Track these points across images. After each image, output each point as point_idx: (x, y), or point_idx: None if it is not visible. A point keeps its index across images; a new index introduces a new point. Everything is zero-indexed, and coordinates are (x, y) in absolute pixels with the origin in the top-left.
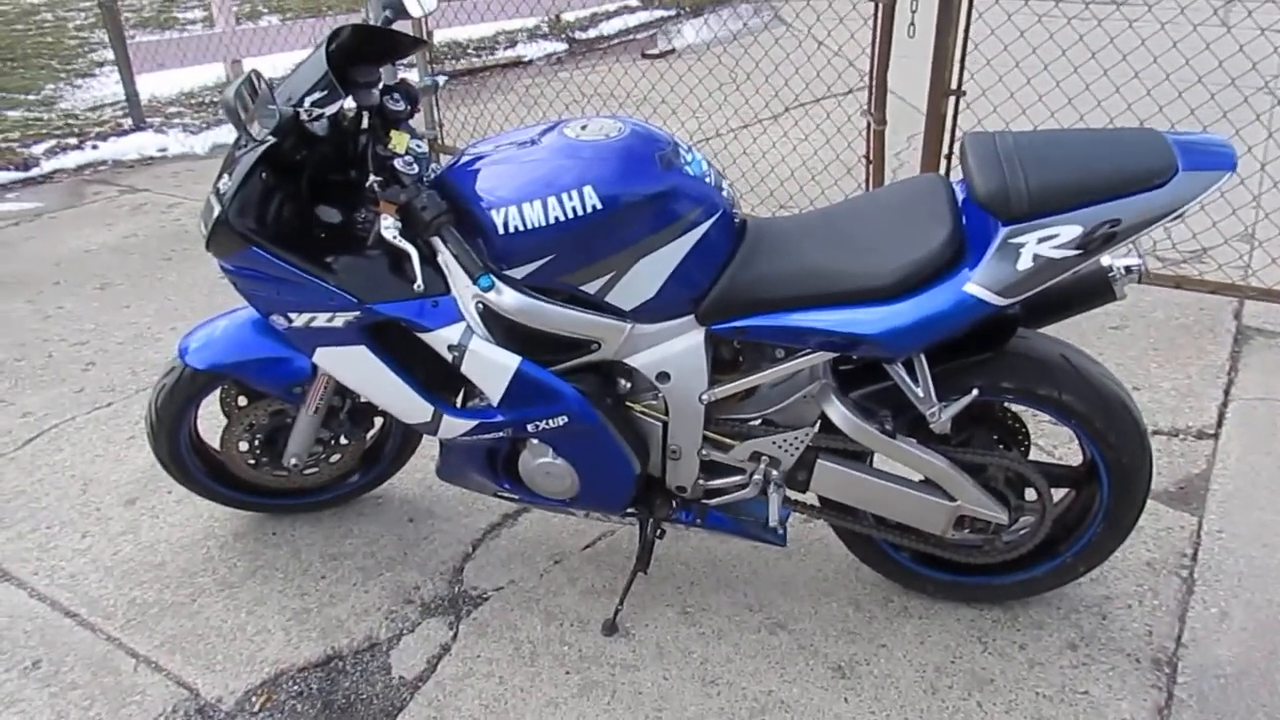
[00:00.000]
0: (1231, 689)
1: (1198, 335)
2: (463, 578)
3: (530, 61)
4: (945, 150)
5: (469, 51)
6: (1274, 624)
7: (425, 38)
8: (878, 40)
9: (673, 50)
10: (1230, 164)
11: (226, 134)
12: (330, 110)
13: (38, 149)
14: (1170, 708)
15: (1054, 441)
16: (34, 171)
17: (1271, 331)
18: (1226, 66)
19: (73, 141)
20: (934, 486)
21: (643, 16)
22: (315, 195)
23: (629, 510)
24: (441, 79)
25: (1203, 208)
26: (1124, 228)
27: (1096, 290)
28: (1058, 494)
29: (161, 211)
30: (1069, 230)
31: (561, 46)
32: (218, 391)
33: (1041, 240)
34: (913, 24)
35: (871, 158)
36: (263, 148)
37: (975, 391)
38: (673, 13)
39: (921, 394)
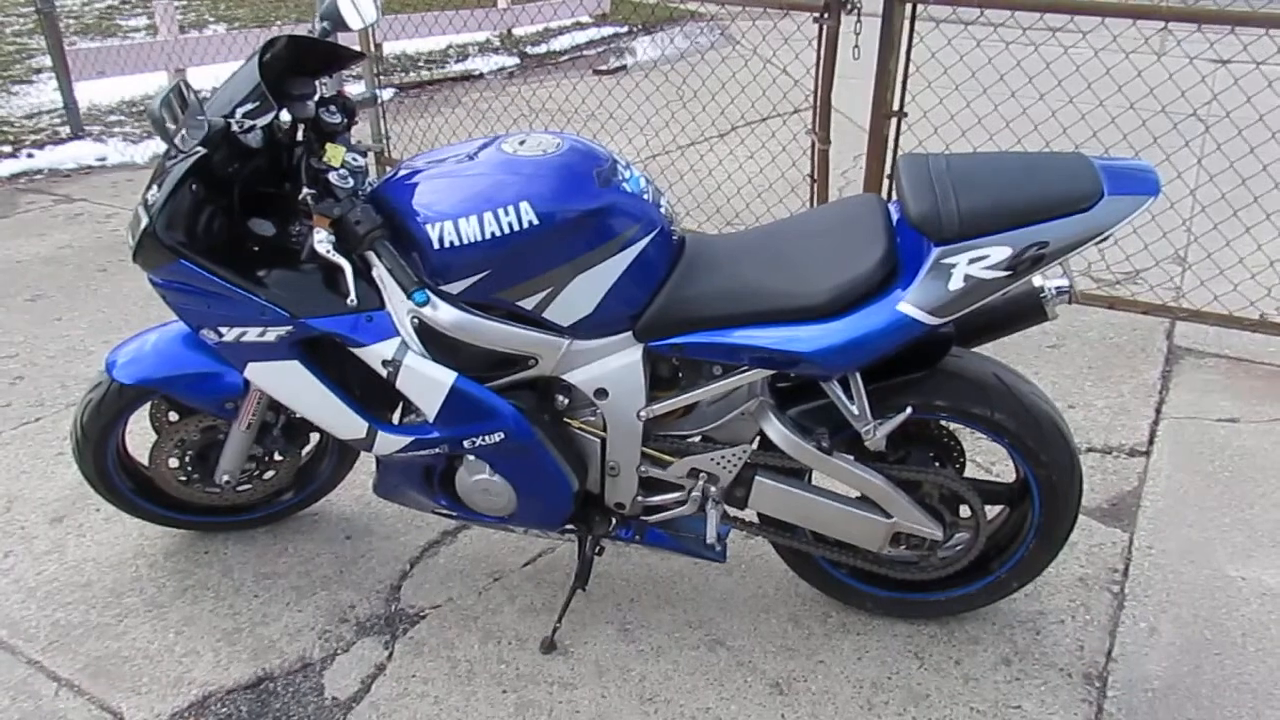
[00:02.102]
0: (1159, 703)
1: (1131, 355)
2: (399, 596)
3: (481, 75)
4: (887, 170)
5: (419, 64)
6: (1201, 639)
7: (373, 50)
8: (822, 61)
9: (623, 67)
10: (1154, 189)
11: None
12: (262, 122)
13: None
14: None
15: (991, 459)
16: None
17: (1201, 352)
18: (1158, 94)
19: (7, 149)
20: (870, 504)
21: (594, 33)
22: (248, 208)
23: (568, 527)
24: (386, 92)
25: (1134, 230)
26: (1052, 249)
27: (1028, 311)
28: (991, 511)
29: (98, 222)
30: (999, 251)
31: (513, 61)
32: (147, 407)
33: (972, 261)
34: (857, 45)
35: (816, 176)
36: (192, 159)
37: (909, 409)
38: (624, 30)
39: (857, 411)
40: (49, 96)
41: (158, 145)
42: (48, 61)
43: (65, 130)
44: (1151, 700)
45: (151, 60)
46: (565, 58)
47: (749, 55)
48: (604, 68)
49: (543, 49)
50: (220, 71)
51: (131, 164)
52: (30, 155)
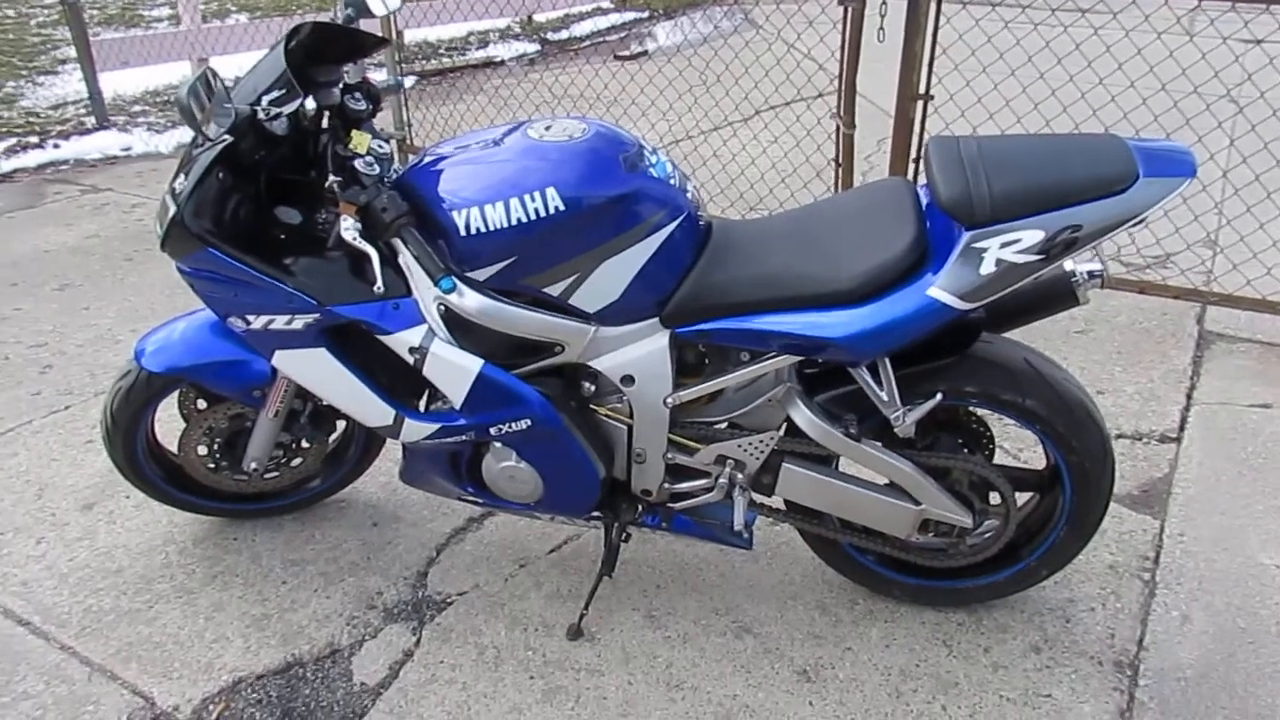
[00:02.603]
0: (1192, 692)
1: (1161, 340)
2: (426, 582)
3: (502, 62)
4: (913, 154)
5: (440, 52)
6: (1234, 627)
7: (394, 37)
8: (846, 44)
9: (645, 52)
10: (1190, 171)
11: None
12: (288, 109)
13: None
14: (1132, 710)
15: (1019, 445)
16: None
17: (1233, 337)
18: (1190, 74)
19: (34, 140)
20: (899, 490)
21: (615, 18)
22: (274, 195)
23: (594, 514)
24: (407, 79)
25: (1166, 214)
26: (1085, 233)
27: (1059, 295)
28: (1021, 498)
29: (124, 211)
30: (1031, 235)
31: (533, 47)
32: (175, 395)
33: (1004, 245)
34: (881, 29)
35: (841, 161)
36: (219, 147)
37: (939, 396)
38: (645, 15)
39: (886, 398)
40: (74, 87)
41: (182, 134)
42: (72, 52)
43: (90, 120)
44: (1184, 689)
45: (175, 50)
46: (587, 43)
47: (772, 39)
48: (625, 53)
49: (564, 35)
50: (243, 60)
51: (156, 153)
52: (56, 146)
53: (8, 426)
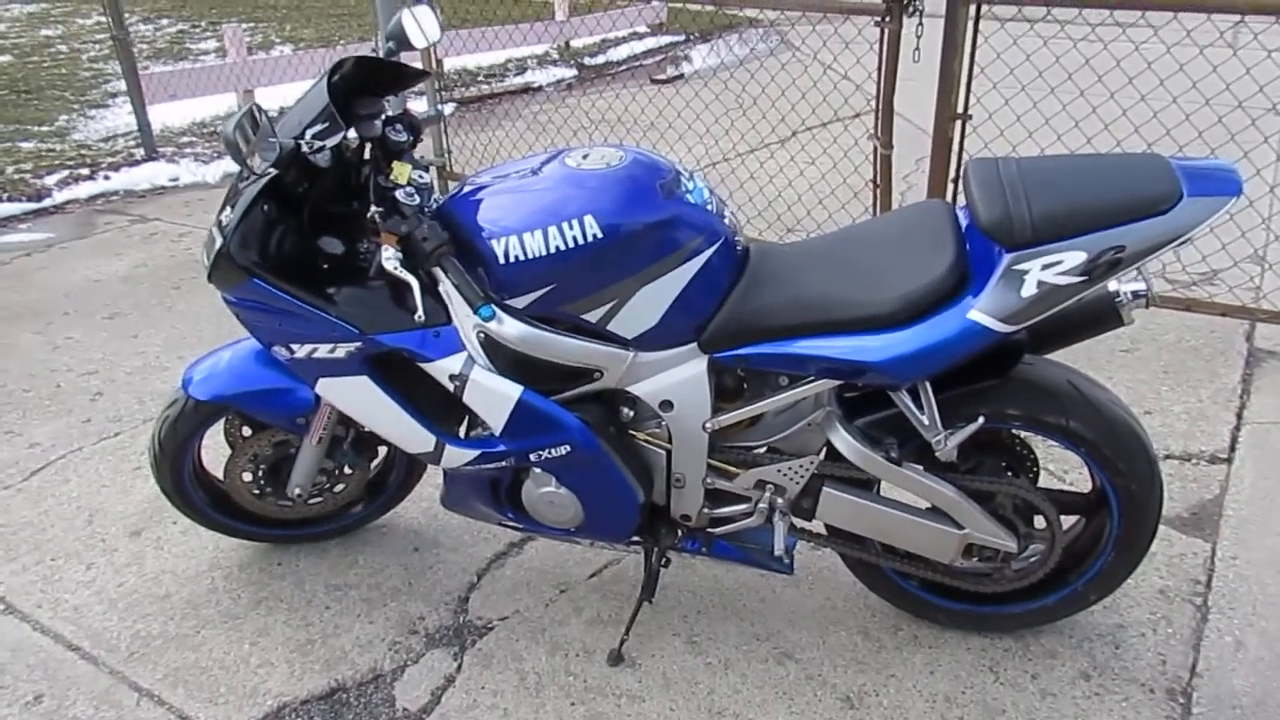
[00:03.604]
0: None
1: (1209, 358)
2: (468, 607)
3: (540, 88)
4: (952, 174)
5: (479, 79)
6: None
7: (435, 66)
8: (883, 64)
9: (681, 76)
10: (1236, 190)
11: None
12: (332, 142)
13: (50, 179)
14: None
15: (1065, 467)
16: (46, 202)
17: None
18: (1234, 89)
19: (85, 172)
20: (941, 514)
21: (651, 43)
22: (317, 226)
23: (634, 539)
24: (446, 107)
25: (1211, 230)
26: (1129, 254)
27: (1103, 316)
28: (1067, 521)
29: (172, 241)
30: (1073, 257)
31: (571, 73)
32: (221, 422)
33: (1045, 267)
34: (918, 48)
35: (879, 181)
36: (264, 180)
37: (981, 419)
38: (681, 38)
39: (927, 422)
40: (124, 120)
41: (228, 165)
42: (122, 86)
43: (140, 152)
44: (1239, 717)
45: (221, 82)
46: (623, 68)
47: (809, 61)
48: (661, 77)
49: (600, 60)
50: (288, 91)
51: (203, 184)
52: (107, 177)
53: (59, 453)
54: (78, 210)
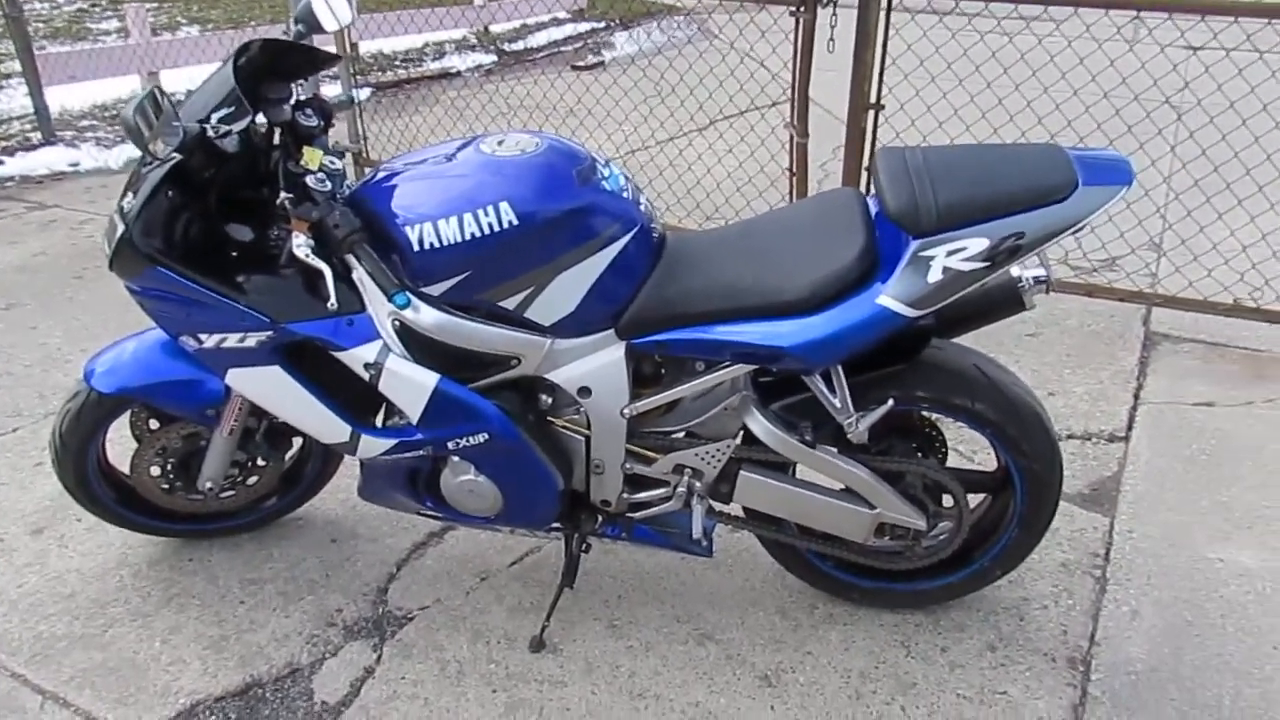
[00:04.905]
0: (1142, 685)
1: (1109, 342)
2: (387, 598)
3: (458, 73)
4: (865, 163)
5: (396, 63)
6: (1182, 621)
7: (349, 50)
8: (799, 54)
9: (601, 63)
10: (1127, 179)
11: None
12: (238, 127)
13: None
14: (1085, 705)
15: (973, 448)
16: None
17: (1177, 337)
18: (1130, 83)
19: None
20: (854, 495)
21: (571, 29)
22: (225, 213)
23: (554, 526)
24: (362, 92)
25: (1111, 218)
26: (1028, 240)
27: (1007, 301)
28: (974, 500)
29: (72, 228)
30: (976, 243)
31: (490, 58)
32: (127, 415)
33: (951, 253)
34: (832, 39)
35: (795, 170)
36: (168, 166)
37: (890, 402)
38: (601, 25)
39: (839, 405)
40: (19, 102)
41: (132, 150)
42: (17, 66)
43: (37, 136)
44: (1134, 682)
45: (123, 64)
46: (543, 54)
47: (726, 49)
48: (582, 64)
49: (520, 46)
50: (193, 74)
51: (106, 169)
52: (1, 162)
53: None
54: None
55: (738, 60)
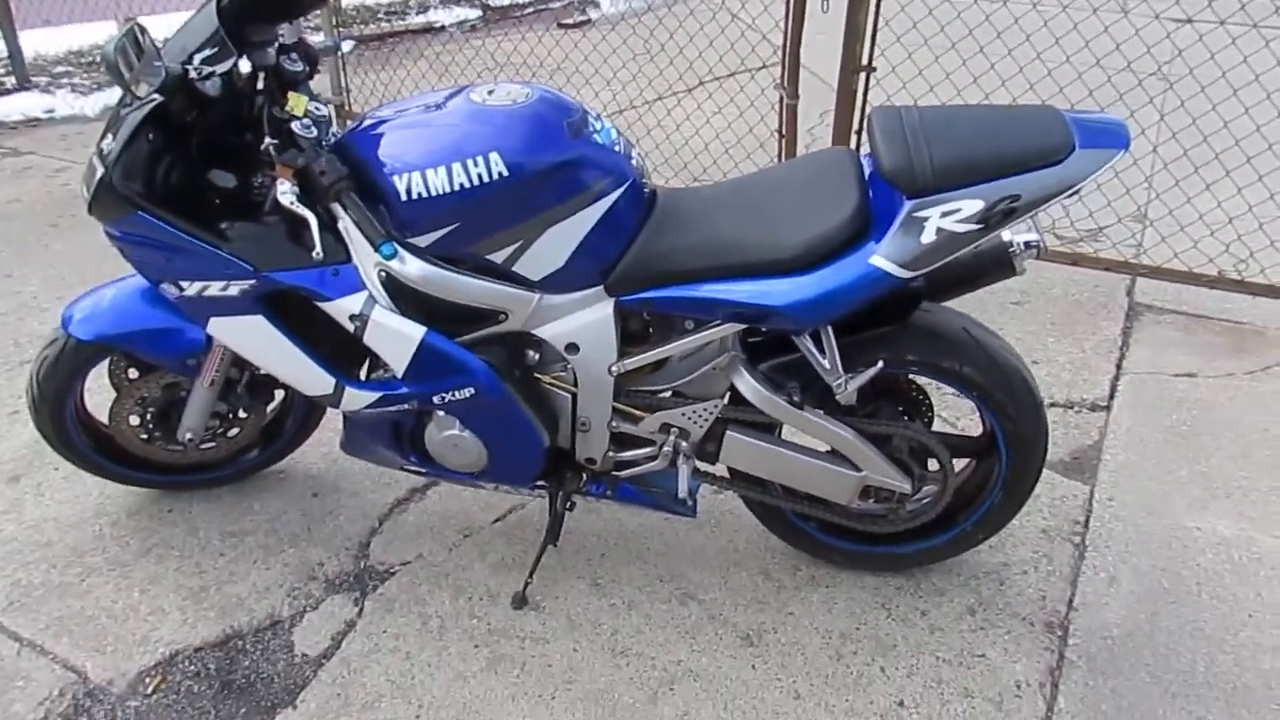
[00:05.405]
0: (1118, 650)
1: (1092, 311)
2: (369, 553)
3: (443, 28)
4: (856, 125)
5: (379, 15)
6: (1159, 588)
7: None
8: (790, 15)
9: (588, 20)
10: (1124, 142)
11: (119, 95)
12: (221, 69)
13: None
14: (1061, 669)
15: (957, 413)
16: None
17: (1160, 308)
18: (1123, 50)
19: None
20: (840, 457)
21: None
22: (208, 158)
23: (539, 483)
24: (345, 42)
25: (1098, 187)
26: (1023, 203)
27: (997, 265)
28: (959, 464)
29: (47, 176)
30: (971, 205)
31: (475, 13)
32: (105, 364)
33: (944, 214)
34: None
35: (784, 132)
36: (148, 107)
37: (880, 364)
38: None
39: (828, 366)
40: None
41: (108, 97)
42: None
43: (10, 81)
44: (1111, 647)
45: (99, 8)
46: (529, 10)
47: (717, 9)
48: (569, 21)
49: (506, 1)
50: (172, 20)
51: (81, 116)
52: None
53: None
54: None
55: (728, 20)
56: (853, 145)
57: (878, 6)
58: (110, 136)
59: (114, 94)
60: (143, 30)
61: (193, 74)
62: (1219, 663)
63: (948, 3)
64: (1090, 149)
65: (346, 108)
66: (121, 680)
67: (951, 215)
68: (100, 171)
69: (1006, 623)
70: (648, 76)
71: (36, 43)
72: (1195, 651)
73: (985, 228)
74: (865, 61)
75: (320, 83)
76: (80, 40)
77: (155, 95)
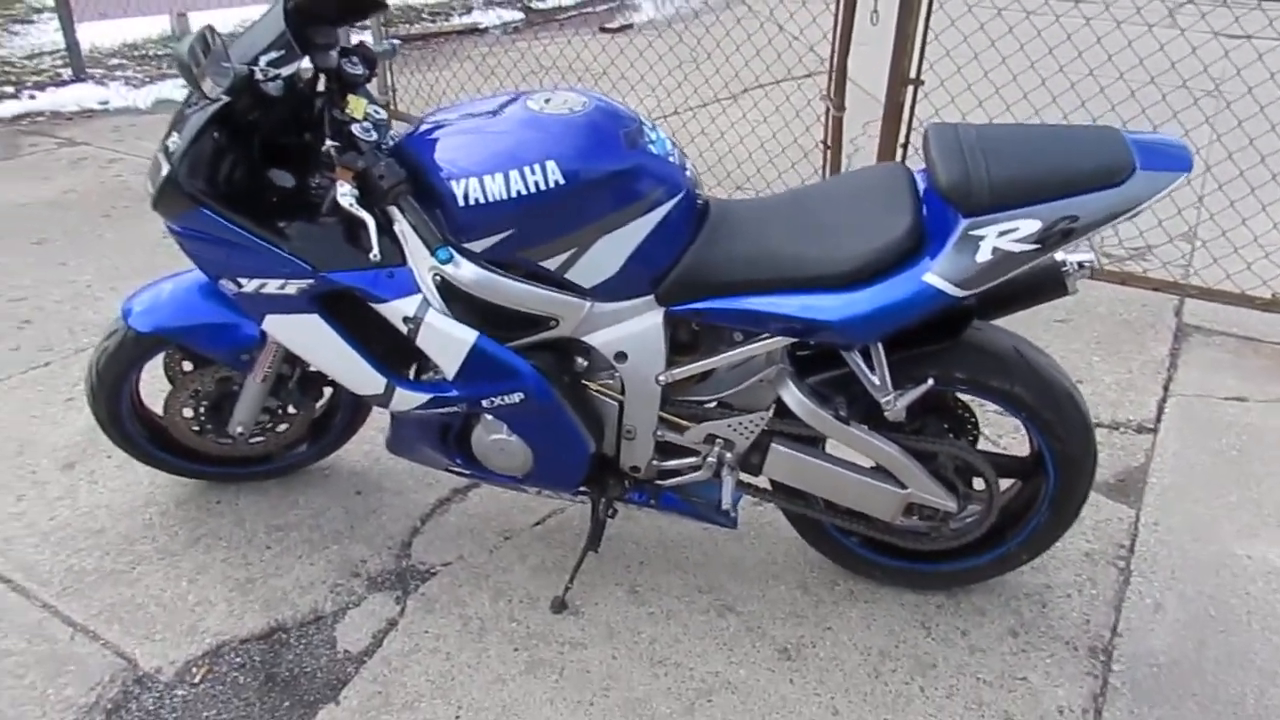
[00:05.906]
0: (1164, 678)
1: (1140, 331)
2: (410, 552)
3: (486, 29)
4: (902, 139)
5: (423, 16)
6: (1205, 615)
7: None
8: (839, 25)
9: (631, 25)
10: (1186, 165)
11: (170, 88)
12: (286, 71)
13: None
14: (1105, 695)
15: (998, 431)
16: None
17: (1209, 329)
18: (1179, 68)
19: (9, 90)
20: (885, 474)
21: None
22: (268, 158)
23: (581, 489)
24: (397, 44)
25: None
26: (1082, 224)
27: (1049, 284)
28: (1004, 484)
29: (101, 166)
30: (1028, 225)
31: (518, 15)
32: (161, 355)
33: (1001, 234)
34: (875, 10)
35: (829, 143)
36: (215, 106)
37: (930, 381)
38: None
39: (878, 382)
40: (50, 37)
41: (160, 91)
42: (49, 1)
43: (67, 72)
44: (1156, 675)
45: (154, 3)
46: (572, 13)
47: (764, 18)
48: (612, 25)
49: (549, 4)
50: (225, 16)
51: (134, 108)
52: (32, 96)
53: None
54: (1, 130)
55: (774, 30)
56: (899, 159)
57: (927, 19)
58: (176, 134)
59: (165, 86)
60: (213, 32)
61: (259, 75)
62: (1270, 695)
63: (999, 17)
64: (1151, 171)
65: (392, 107)
66: (170, 669)
67: (1008, 235)
68: (166, 168)
69: (1049, 646)
70: (692, 83)
71: (92, 35)
72: (1245, 683)
73: (1042, 248)
74: (914, 74)
75: (369, 84)
76: (135, 34)
77: (222, 95)
